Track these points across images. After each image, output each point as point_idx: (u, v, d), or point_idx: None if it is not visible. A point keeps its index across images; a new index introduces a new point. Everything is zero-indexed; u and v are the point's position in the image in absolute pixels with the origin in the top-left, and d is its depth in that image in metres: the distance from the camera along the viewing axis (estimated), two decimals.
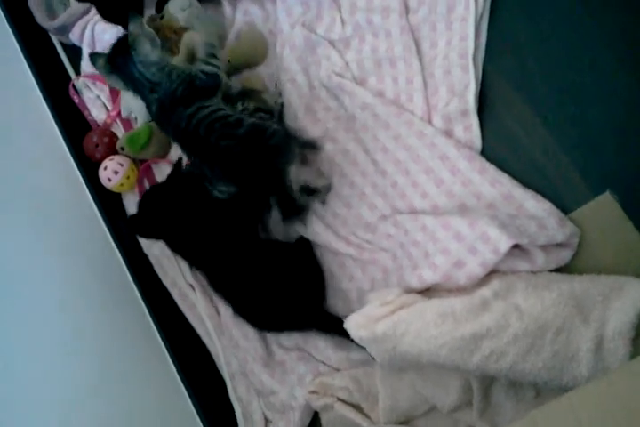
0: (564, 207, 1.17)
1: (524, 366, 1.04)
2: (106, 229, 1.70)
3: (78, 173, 1.74)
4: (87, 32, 1.74)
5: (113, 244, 1.70)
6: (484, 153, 1.27)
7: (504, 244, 1.10)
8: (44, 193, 1.63)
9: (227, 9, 1.62)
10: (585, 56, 1.19)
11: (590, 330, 1.04)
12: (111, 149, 1.72)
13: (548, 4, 1.23)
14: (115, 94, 1.76)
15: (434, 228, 1.21)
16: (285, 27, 1.53)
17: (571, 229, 1.13)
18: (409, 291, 1.19)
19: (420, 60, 1.35)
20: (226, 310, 1.54)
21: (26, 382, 1.23)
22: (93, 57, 1.39)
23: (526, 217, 1.17)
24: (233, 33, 1.60)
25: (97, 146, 1.72)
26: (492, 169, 1.23)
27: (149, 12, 1.66)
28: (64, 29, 1.77)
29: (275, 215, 1.44)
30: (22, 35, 1.83)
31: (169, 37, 1.45)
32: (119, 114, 1.75)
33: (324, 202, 1.44)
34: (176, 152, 1.68)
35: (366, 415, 1.33)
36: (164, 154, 1.71)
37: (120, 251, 1.70)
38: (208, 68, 1.31)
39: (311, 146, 1.43)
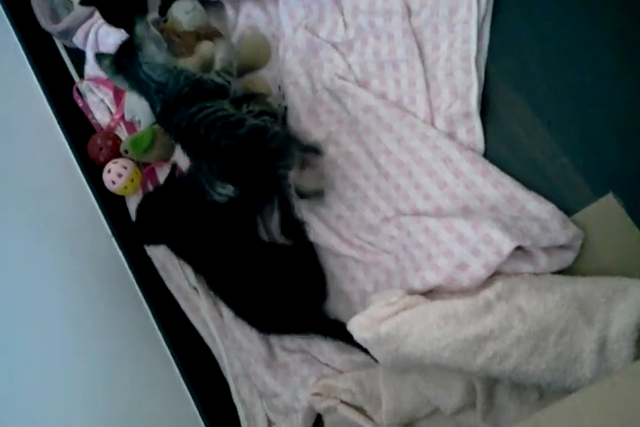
0: (567, 209, 1.17)
1: (527, 367, 1.04)
2: (110, 232, 1.71)
3: (82, 176, 1.74)
4: (91, 36, 1.75)
5: (117, 247, 1.70)
6: (486, 155, 1.27)
7: (507, 246, 1.10)
8: (48, 196, 1.63)
9: (229, 12, 1.63)
10: (585, 56, 1.19)
11: (594, 332, 1.04)
12: (115, 153, 1.72)
13: (548, 5, 1.24)
14: (118, 98, 1.76)
15: (437, 230, 1.21)
16: (288, 30, 1.53)
17: (573, 230, 1.14)
18: (412, 293, 1.19)
19: (423, 62, 1.36)
20: (228, 313, 1.54)
21: (28, 385, 1.23)
22: (99, 57, 1.40)
23: (529, 219, 1.17)
24: (236, 36, 1.61)
25: (101, 149, 1.73)
26: (494, 171, 1.23)
27: (153, 15, 1.67)
28: (68, 33, 1.78)
29: (276, 218, 1.45)
30: (26, 38, 1.84)
31: (172, 40, 1.45)
32: (123, 117, 1.75)
33: (321, 203, 1.44)
34: (179, 155, 1.68)
35: (369, 418, 1.33)
36: (167, 157, 1.72)
37: (124, 254, 1.70)
38: (219, 80, 1.34)
39: (313, 150, 1.43)
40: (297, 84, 1.50)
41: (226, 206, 1.36)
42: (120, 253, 1.69)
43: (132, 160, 1.71)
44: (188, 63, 1.37)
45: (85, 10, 1.72)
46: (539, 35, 1.24)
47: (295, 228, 1.41)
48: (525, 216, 1.18)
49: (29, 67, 1.81)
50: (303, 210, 1.46)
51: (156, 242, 1.53)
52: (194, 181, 1.41)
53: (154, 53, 1.32)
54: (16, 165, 1.57)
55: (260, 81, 1.58)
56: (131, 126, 1.76)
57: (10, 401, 1.17)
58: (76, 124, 1.80)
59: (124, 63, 1.35)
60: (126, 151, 1.68)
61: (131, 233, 1.53)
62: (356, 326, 1.16)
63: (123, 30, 1.55)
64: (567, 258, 1.15)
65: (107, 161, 1.71)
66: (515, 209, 1.20)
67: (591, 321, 1.05)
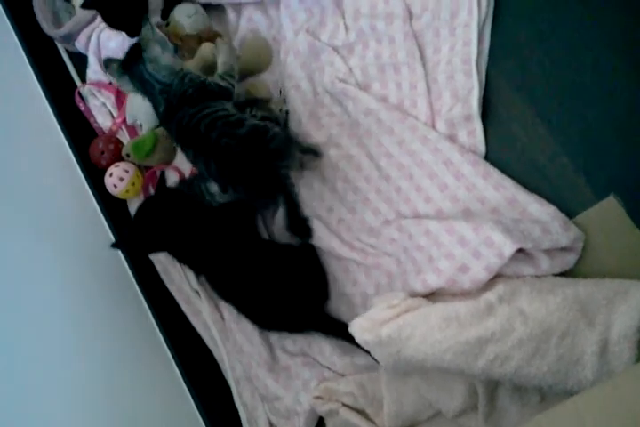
0: (569, 211, 1.17)
1: (528, 370, 1.04)
2: (112, 235, 1.71)
3: (84, 179, 1.75)
4: (93, 40, 1.76)
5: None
6: (487, 157, 1.27)
7: (508, 248, 1.10)
8: (50, 199, 1.63)
9: (231, 16, 1.63)
10: (585, 56, 1.19)
11: (595, 333, 1.03)
12: (117, 156, 1.73)
13: (548, 5, 1.24)
14: (120, 101, 1.77)
15: (438, 232, 1.21)
16: (289, 33, 1.54)
17: (575, 233, 1.13)
18: (413, 295, 1.19)
19: (424, 65, 1.36)
20: (230, 315, 1.54)
21: (28, 385, 1.23)
22: (107, 62, 1.42)
23: (530, 221, 1.17)
24: (237, 40, 1.61)
25: (102, 153, 1.73)
26: (495, 173, 1.23)
27: (155, 18, 1.67)
28: (70, 37, 1.79)
29: (279, 218, 1.45)
30: (28, 43, 1.85)
31: (175, 44, 1.46)
32: (124, 121, 1.76)
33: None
34: (181, 159, 1.68)
35: (371, 421, 1.33)
36: (169, 161, 1.72)
37: (126, 257, 1.70)
38: (223, 83, 1.36)
39: (312, 151, 1.44)
40: (298, 87, 1.51)
41: (226, 206, 1.36)
42: (120, 254, 1.70)
43: (134, 164, 1.72)
44: (189, 65, 1.38)
45: (87, 14, 1.72)
46: (539, 35, 1.24)
47: (302, 225, 1.41)
48: (526, 218, 1.18)
49: (32, 71, 1.82)
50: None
51: (156, 251, 1.54)
52: (191, 185, 1.42)
53: (158, 54, 1.33)
54: (17, 168, 1.58)
55: (262, 84, 1.58)
56: (132, 130, 1.76)
57: (10, 401, 1.17)
58: (77, 127, 1.81)
59: (130, 65, 1.36)
60: (128, 155, 1.68)
61: (130, 244, 1.53)
62: (358, 329, 1.16)
63: (124, 33, 1.56)
64: (569, 260, 1.15)
65: (108, 165, 1.72)
66: (516, 211, 1.20)
67: (593, 323, 1.05)
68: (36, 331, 1.33)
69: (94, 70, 1.80)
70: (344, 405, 1.35)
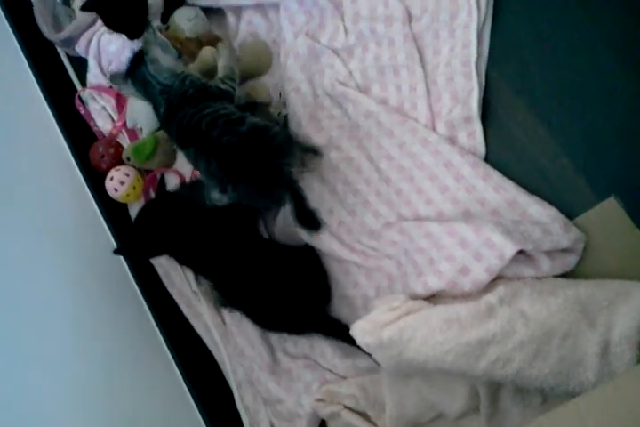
0: (569, 212, 1.16)
1: (530, 371, 1.04)
2: (112, 239, 1.71)
3: (84, 183, 1.75)
4: (93, 43, 1.76)
5: None
6: (487, 159, 1.27)
7: (509, 250, 1.10)
8: (51, 203, 1.64)
9: (230, 19, 1.64)
10: (585, 56, 1.19)
11: (596, 335, 1.03)
12: (117, 160, 1.73)
13: (548, 5, 1.24)
14: (120, 105, 1.77)
15: (438, 234, 1.20)
16: (289, 36, 1.54)
17: (575, 234, 1.13)
18: (414, 298, 1.19)
19: (423, 67, 1.36)
20: (231, 319, 1.54)
21: (28, 385, 1.23)
22: (112, 77, 1.46)
23: (531, 223, 1.17)
24: (237, 43, 1.61)
25: (103, 156, 1.73)
26: (495, 175, 1.23)
27: (155, 22, 1.68)
28: (70, 41, 1.79)
29: (279, 221, 1.45)
30: (29, 47, 1.85)
31: (175, 47, 1.46)
32: (125, 124, 1.76)
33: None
34: (181, 162, 1.69)
35: (373, 423, 1.33)
36: (169, 164, 1.72)
37: (127, 261, 1.70)
38: (224, 86, 1.36)
39: (312, 151, 1.44)
40: (298, 90, 1.51)
41: (227, 208, 1.36)
42: (123, 260, 1.70)
43: (134, 167, 1.72)
44: (190, 69, 1.39)
45: (87, 18, 1.72)
46: (538, 35, 1.24)
47: (310, 217, 1.40)
48: (527, 220, 1.18)
49: (32, 75, 1.83)
50: None
51: (157, 254, 1.54)
52: (192, 190, 1.42)
53: (159, 56, 1.34)
54: (18, 171, 1.58)
55: (262, 87, 1.58)
56: (133, 134, 1.77)
57: (10, 401, 1.18)
58: (78, 131, 1.81)
59: (133, 71, 1.37)
60: (128, 159, 1.68)
61: (131, 248, 1.53)
62: (359, 331, 1.16)
63: (124, 36, 1.56)
64: (569, 261, 1.15)
65: (109, 168, 1.72)
66: (516, 213, 1.20)
67: (594, 324, 1.05)
68: (37, 332, 1.33)
69: (94, 74, 1.80)
70: (346, 407, 1.35)
